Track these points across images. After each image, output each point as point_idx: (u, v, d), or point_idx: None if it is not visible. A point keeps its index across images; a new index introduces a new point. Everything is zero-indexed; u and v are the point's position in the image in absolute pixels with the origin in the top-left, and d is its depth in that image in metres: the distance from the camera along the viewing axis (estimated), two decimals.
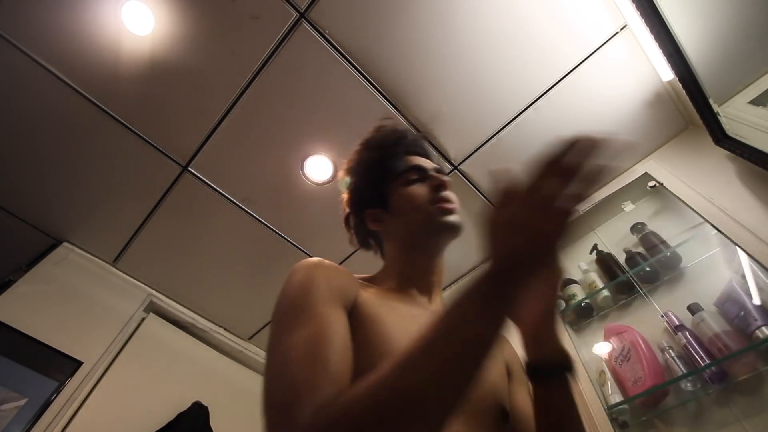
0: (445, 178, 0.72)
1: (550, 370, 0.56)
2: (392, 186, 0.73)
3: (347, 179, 0.81)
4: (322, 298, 0.50)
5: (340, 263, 1.85)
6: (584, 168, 0.38)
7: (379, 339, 0.51)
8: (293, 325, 0.47)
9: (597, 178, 0.38)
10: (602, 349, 1.29)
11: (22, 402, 1.49)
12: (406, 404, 0.34)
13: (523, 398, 0.65)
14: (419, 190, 0.71)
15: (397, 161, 0.75)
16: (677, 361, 1.10)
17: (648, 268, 1.28)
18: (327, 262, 0.58)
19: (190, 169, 1.62)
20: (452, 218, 0.68)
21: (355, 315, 0.53)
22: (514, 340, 0.77)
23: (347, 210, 0.80)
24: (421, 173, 0.73)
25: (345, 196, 0.81)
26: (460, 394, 0.36)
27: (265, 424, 0.40)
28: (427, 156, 0.79)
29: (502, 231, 0.40)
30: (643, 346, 1.17)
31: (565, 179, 0.38)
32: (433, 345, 0.37)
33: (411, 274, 0.70)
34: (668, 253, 1.26)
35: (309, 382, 0.39)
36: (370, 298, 0.58)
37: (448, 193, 0.70)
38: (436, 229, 0.68)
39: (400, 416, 0.34)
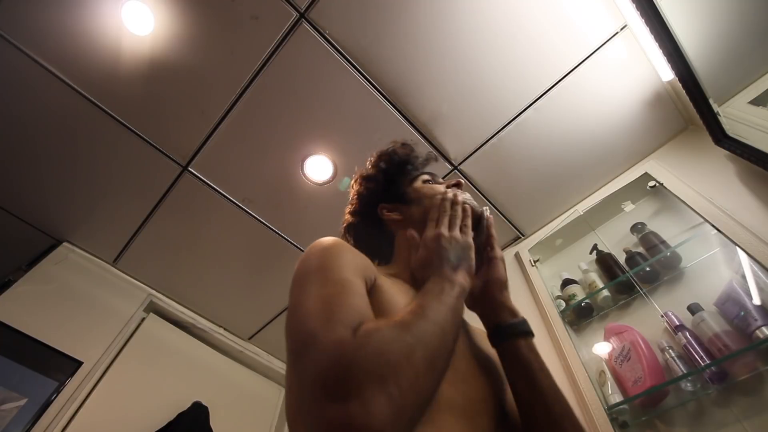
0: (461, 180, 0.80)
1: (510, 329, 0.61)
2: (407, 185, 0.80)
3: (359, 184, 0.85)
4: (347, 266, 0.51)
5: None
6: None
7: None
8: (317, 283, 0.48)
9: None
10: (602, 349, 1.29)
11: (22, 402, 1.49)
12: (427, 338, 0.41)
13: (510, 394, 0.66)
14: (436, 186, 0.78)
15: (414, 163, 0.85)
16: (677, 361, 1.09)
17: (648, 268, 1.28)
18: (347, 243, 0.60)
19: (190, 169, 1.62)
20: (472, 202, 0.72)
21: (375, 291, 0.54)
22: None
23: (356, 208, 0.83)
24: (434, 178, 0.82)
25: (354, 199, 0.84)
26: (449, 355, 0.45)
27: (295, 346, 0.42)
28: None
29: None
30: (643, 346, 1.17)
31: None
32: (429, 309, 0.46)
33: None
34: (668, 253, 1.26)
35: (327, 326, 0.41)
36: (386, 281, 0.59)
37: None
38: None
39: (424, 346, 0.40)
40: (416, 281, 0.68)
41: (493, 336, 0.62)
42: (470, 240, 0.63)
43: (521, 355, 0.58)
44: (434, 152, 1.57)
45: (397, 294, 0.58)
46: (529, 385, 0.56)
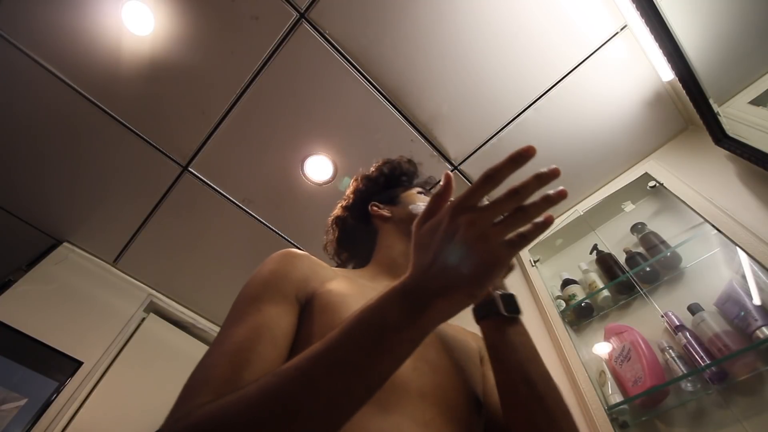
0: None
1: (497, 304, 0.55)
2: (403, 192, 0.85)
3: (359, 181, 0.90)
4: (274, 291, 0.53)
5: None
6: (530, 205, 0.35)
7: (336, 325, 0.52)
8: (237, 318, 0.50)
9: (540, 226, 0.35)
10: (602, 349, 1.29)
11: (22, 402, 1.49)
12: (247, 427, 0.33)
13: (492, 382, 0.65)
14: (428, 197, 0.83)
15: (413, 176, 0.91)
16: (677, 361, 1.09)
17: (648, 268, 1.28)
18: (298, 252, 0.61)
19: (190, 169, 1.62)
20: None
21: (314, 303, 0.55)
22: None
23: (350, 203, 0.88)
24: (429, 193, 0.87)
25: (350, 194, 0.89)
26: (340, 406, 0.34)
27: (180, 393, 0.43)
28: None
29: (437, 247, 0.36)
30: (643, 346, 1.17)
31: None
32: (303, 383, 0.34)
33: (402, 263, 0.73)
34: (668, 253, 1.26)
35: (211, 383, 0.41)
36: (341, 286, 0.59)
37: None
38: None
39: None
40: (395, 276, 0.70)
41: (482, 309, 0.57)
42: None
43: (513, 342, 0.53)
44: (435, 153, 1.57)
45: (355, 304, 0.56)
46: (506, 370, 0.52)
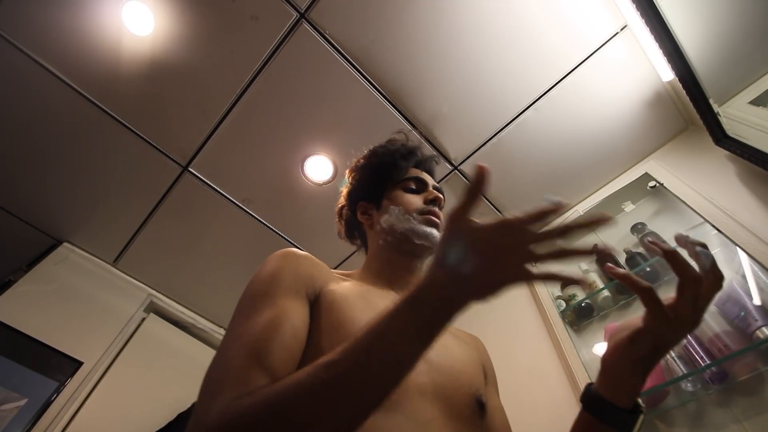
0: (441, 195, 0.76)
1: (615, 418, 0.48)
2: (390, 188, 0.77)
3: (349, 176, 0.85)
4: (286, 287, 0.52)
5: (339, 265, 1.85)
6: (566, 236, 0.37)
7: (343, 322, 0.53)
8: (252, 311, 0.49)
9: (572, 254, 0.38)
10: (602, 349, 1.29)
11: (23, 402, 1.49)
12: (293, 422, 0.34)
13: (496, 403, 0.66)
14: (413, 198, 0.74)
15: (401, 169, 0.78)
16: (677, 361, 1.09)
17: (648, 269, 1.28)
18: (300, 252, 0.60)
19: (190, 169, 1.62)
20: (433, 231, 0.69)
21: (321, 301, 0.55)
22: (493, 348, 0.79)
23: (343, 201, 0.85)
24: (420, 185, 0.77)
25: (345, 189, 0.86)
26: (358, 419, 0.36)
27: (199, 393, 0.42)
28: (431, 174, 0.84)
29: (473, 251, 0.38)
30: None
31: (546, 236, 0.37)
32: (339, 373, 0.36)
33: (388, 272, 0.71)
34: None
35: (235, 375, 0.41)
36: (342, 287, 0.59)
37: (439, 211, 0.73)
38: (414, 235, 0.69)
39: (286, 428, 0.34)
40: (383, 285, 0.69)
41: (598, 408, 0.50)
42: None
43: None
44: (435, 153, 1.57)
45: (352, 298, 0.57)
46: None
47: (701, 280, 0.45)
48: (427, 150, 0.87)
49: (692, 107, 1.26)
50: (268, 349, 0.43)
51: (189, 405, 1.79)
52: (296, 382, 0.36)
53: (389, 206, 0.73)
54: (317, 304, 0.55)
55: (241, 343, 0.44)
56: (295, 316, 0.50)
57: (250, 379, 0.40)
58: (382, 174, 0.78)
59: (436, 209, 0.73)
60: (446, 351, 0.60)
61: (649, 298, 0.45)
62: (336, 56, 1.35)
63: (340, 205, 0.86)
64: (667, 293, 0.46)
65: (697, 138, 1.40)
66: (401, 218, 0.70)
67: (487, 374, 0.69)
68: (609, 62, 1.34)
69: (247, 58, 1.35)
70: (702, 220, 1.20)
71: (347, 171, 0.87)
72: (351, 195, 0.83)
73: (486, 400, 0.60)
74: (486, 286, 0.37)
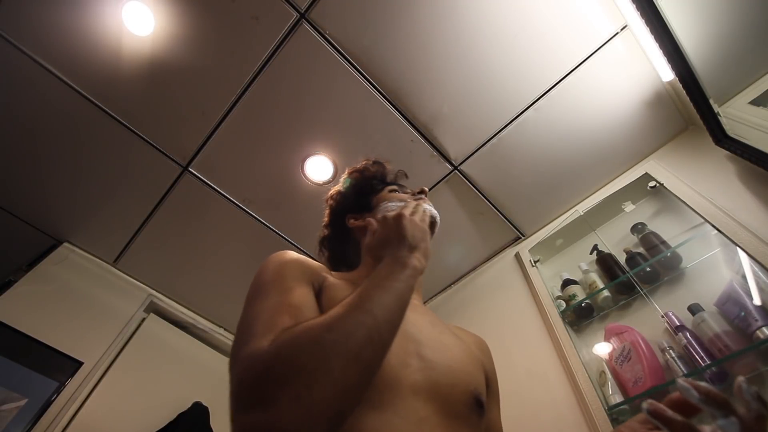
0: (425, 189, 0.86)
1: None
2: (376, 194, 0.86)
3: (332, 198, 0.92)
4: (295, 276, 0.56)
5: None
6: None
7: None
8: (267, 294, 0.51)
9: None
10: (602, 349, 1.29)
11: (23, 402, 1.49)
12: (354, 330, 0.41)
13: (494, 417, 0.67)
14: (401, 194, 0.85)
15: (385, 176, 0.91)
16: (677, 361, 1.09)
17: (648, 269, 1.28)
18: (297, 254, 0.64)
19: (190, 169, 1.62)
20: (432, 208, 0.78)
21: (324, 291, 0.58)
22: (493, 348, 0.78)
23: (327, 221, 0.90)
24: (402, 189, 0.88)
25: (326, 213, 0.91)
26: (385, 347, 0.43)
27: (231, 358, 0.44)
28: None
29: None
30: (643, 347, 1.17)
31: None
32: (366, 302, 0.44)
33: None
34: (668, 254, 1.26)
35: (273, 320, 0.45)
36: (341, 282, 0.62)
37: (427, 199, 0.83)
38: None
39: (336, 350, 0.39)
40: None
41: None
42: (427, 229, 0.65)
43: None
44: (435, 153, 1.57)
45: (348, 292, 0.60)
46: None
47: None
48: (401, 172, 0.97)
49: (692, 107, 1.26)
50: (274, 322, 0.46)
51: (189, 405, 1.79)
52: (331, 313, 0.43)
53: (382, 202, 0.81)
54: (320, 295, 0.58)
55: (252, 320, 0.47)
56: (308, 298, 0.53)
57: (256, 344, 0.42)
58: (365, 188, 0.88)
59: (425, 198, 0.83)
60: (443, 348, 0.60)
61: None
62: (336, 56, 1.35)
63: (320, 237, 0.90)
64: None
65: (697, 138, 1.40)
66: (399, 205, 0.77)
67: (489, 382, 0.68)
68: (609, 62, 1.34)
69: (247, 58, 1.35)
70: (702, 220, 1.20)
71: (326, 200, 0.93)
72: (337, 214, 0.88)
73: (485, 400, 0.59)
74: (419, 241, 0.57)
